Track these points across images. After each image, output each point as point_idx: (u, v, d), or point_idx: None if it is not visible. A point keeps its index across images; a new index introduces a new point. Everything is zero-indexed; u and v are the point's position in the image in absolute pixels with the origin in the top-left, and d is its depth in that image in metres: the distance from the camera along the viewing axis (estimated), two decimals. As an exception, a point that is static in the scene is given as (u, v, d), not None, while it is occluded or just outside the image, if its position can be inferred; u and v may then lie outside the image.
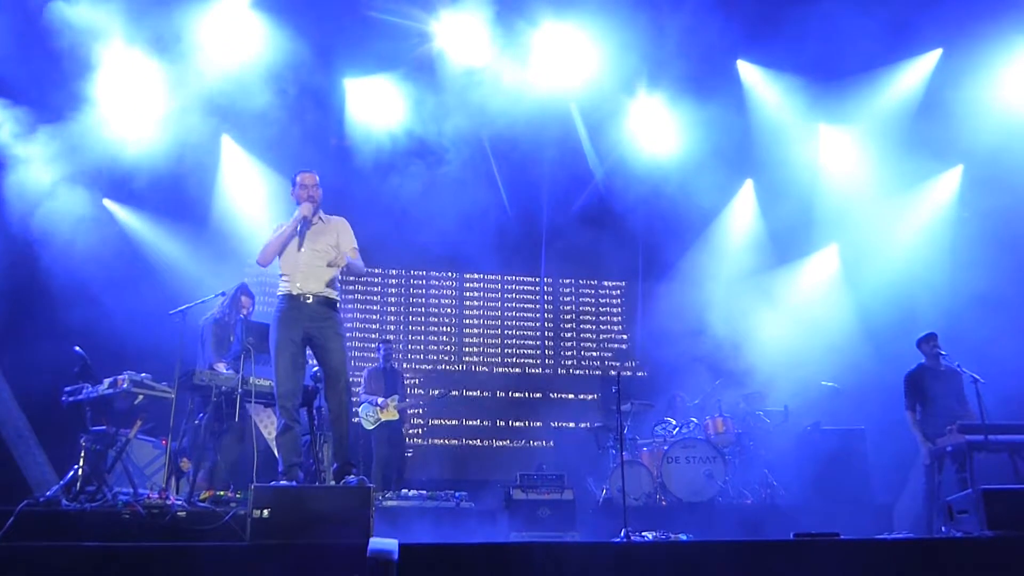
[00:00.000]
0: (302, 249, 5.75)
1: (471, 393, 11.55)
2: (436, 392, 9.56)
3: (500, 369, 11.79)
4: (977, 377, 7.04)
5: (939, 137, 9.97)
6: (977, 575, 4.91)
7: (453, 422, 11.23)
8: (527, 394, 11.74)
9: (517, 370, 11.84)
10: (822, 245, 11.57)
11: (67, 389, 6.21)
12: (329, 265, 5.76)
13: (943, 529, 6.06)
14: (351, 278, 9.94)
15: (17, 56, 8.19)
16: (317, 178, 5.95)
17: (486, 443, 11.22)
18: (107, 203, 9.38)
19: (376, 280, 11.65)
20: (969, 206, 10.30)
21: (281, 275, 5.81)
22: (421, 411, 10.46)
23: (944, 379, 7.60)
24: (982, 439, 6.82)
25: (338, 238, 5.90)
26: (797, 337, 10.60)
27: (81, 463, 5.90)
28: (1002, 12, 8.99)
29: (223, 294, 7.21)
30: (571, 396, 11.81)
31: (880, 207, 10.75)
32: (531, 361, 11.94)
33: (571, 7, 9.94)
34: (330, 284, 5.82)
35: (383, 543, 4.48)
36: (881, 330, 10.12)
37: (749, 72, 11.02)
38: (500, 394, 11.62)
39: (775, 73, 10.88)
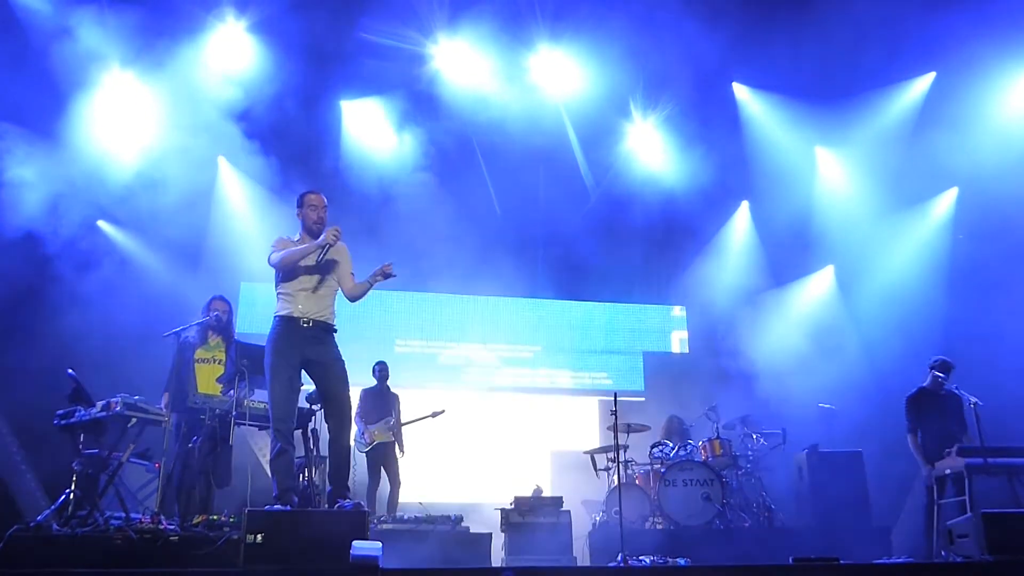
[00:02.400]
0: (307, 271, 5.72)
1: (467, 414, 11.50)
2: (430, 414, 9.48)
3: (496, 390, 11.74)
4: (975, 400, 7.03)
5: (934, 159, 10.02)
6: (978, 600, 4.87)
7: (448, 443, 11.16)
8: (523, 416, 11.69)
9: (512, 391, 11.78)
10: (818, 266, 11.58)
11: (59, 412, 6.15)
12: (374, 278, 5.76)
13: (943, 553, 6.02)
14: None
15: (14, 77, 8.22)
16: (325, 199, 5.94)
17: (482, 465, 11.13)
18: (102, 224, 9.35)
19: (372, 299, 11.58)
20: (964, 228, 10.34)
21: (281, 295, 5.75)
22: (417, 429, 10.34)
23: (944, 402, 7.58)
24: (981, 462, 6.79)
25: (340, 265, 5.89)
26: (794, 358, 10.60)
27: (73, 487, 5.83)
28: (994, 36, 9.06)
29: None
30: (568, 418, 11.76)
31: (876, 229, 10.79)
32: (527, 382, 11.90)
33: (567, 31, 10.02)
34: (330, 309, 5.79)
35: (367, 547, 4.41)
36: (878, 351, 10.11)
37: (744, 94, 11.09)
38: (496, 415, 11.57)
39: (770, 95, 10.97)
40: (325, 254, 5.72)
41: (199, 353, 6.95)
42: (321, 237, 5.71)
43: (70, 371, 6.29)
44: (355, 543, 4.44)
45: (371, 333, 11.23)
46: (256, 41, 9.52)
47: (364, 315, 11.31)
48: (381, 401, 9.28)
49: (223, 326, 6.98)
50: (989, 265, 9.45)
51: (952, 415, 7.55)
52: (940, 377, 7.59)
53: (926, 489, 7.42)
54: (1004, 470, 6.90)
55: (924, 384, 7.74)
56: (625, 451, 8.69)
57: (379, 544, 4.45)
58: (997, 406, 7.49)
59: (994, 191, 9.37)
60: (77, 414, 6.05)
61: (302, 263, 5.70)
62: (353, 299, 5.91)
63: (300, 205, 5.93)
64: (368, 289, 5.84)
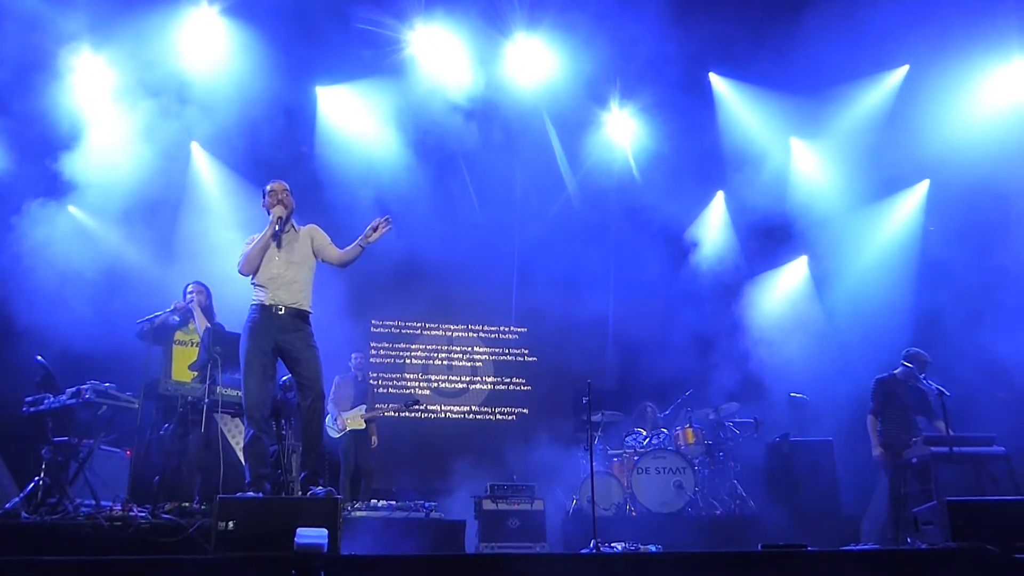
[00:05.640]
0: (276, 258, 5.71)
1: (443, 404, 11.52)
2: (404, 405, 9.48)
3: (472, 378, 11.77)
4: (943, 390, 7.14)
5: (906, 152, 10.13)
6: (942, 586, 4.95)
7: (422, 430, 11.18)
8: (497, 404, 11.74)
9: (489, 380, 11.81)
10: (791, 257, 11.68)
11: (28, 399, 6.09)
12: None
13: (908, 540, 6.12)
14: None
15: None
16: (287, 186, 5.93)
17: (457, 453, 11.15)
18: (72, 210, 9.21)
19: (349, 279, 11.55)
20: (935, 220, 10.47)
21: (255, 285, 5.75)
22: (395, 414, 10.34)
23: (913, 393, 7.69)
24: (947, 451, 6.91)
25: (312, 242, 5.89)
26: (766, 349, 10.70)
27: (42, 475, 5.77)
28: (967, 31, 9.14)
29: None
30: (542, 403, 11.80)
31: (848, 220, 10.88)
32: (505, 369, 11.93)
33: (544, 20, 10.00)
34: (304, 296, 5.77)
35: (311, 533, 4.36)
36: (849, 342, 10.23)
37: (721, 85, 11.14)
38: (473, 405, 11.61)
39: (747, 86, 11.01)
40: (282, 231, 5.71)
41: (179, 335, 6.92)
42: (271, 218, 5.74)
43: (39, 358, 6.23)
44: (300, 530, 4.38)
45: (346, 311, 11.23)
46: (229, 25, 9.41)
47: (339, 295, 11.32)
48: (356, 389, 9.27)
49: (202, 309, 6.94)
50: (959, 257, 9.56)
51: (920, 406, 7.68)
52: (909, 368, 7.70)
53: (889, 478, 7.54)
54: (969, 459, 7.04)
55: (897, 372, 7.84)
56: (598, 438, 8.76)
57: (325, 531, 4.41)
58: (964, 396, 7.62)
59: (965, 184, 9.47)
60: (46, 401, 5.99)
61: (268, 252, 5.70)
62: (344, 265, 5.95)
63: (264, 196, 5.95)
64: (360, 252, 5.83)
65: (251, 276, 5.77)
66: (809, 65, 9.80)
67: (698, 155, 10.97)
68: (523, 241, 11.67)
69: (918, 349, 7.84)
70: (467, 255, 10.75)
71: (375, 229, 5.72)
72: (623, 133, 11.24)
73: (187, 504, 5.77)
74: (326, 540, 4.37)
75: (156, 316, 6.69)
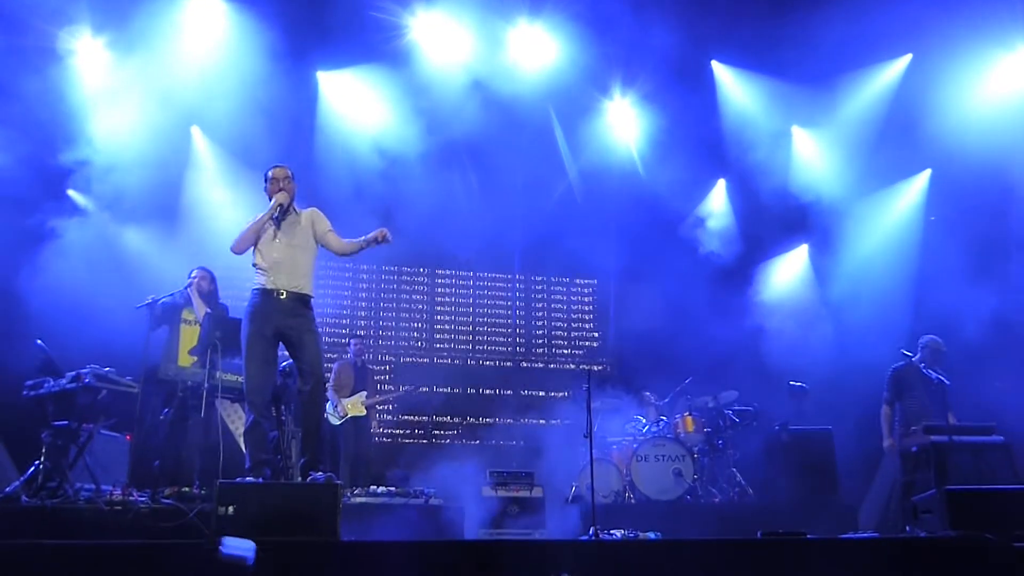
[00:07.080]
0: (277, 241, 5.69)
1: (441, 389, 11.50)
2: (404, 388, 9.49)
3: (471, 362, 11.76)
4: (943, 379, 7.14)
5: (908, 141, 10.10)
6: (940, 574, 4.95)
7: (423, 418, 11.18)
8: (497, 391, 11.72)
9: (488, 364, 11.80)
10: (792, 245, 11.67)
11: (28, 383, 6.10)
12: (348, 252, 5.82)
13: (908, 528, 6.13)
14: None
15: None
16: (289, 171, 5.90)
17: (456, 440, 11.17)
18: (72, 194, 9.19)
19: (348, 275, 11.56)
20: (936, 209, 10.45)
21: (256, 269, 5.73)
22: (391, 407, 10.36)
23: (928, 381, 7.68)
24: (947, 440, 6.91)
25: (313, 227, 5.86)
26: (766, 337, 10.70)
27: (43, 459, 5.79)
28: (970, 20, 9.10)
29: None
30: (542, 393, 11.80)
31: (849, 209, 10.87)
32: (502, 358, 11.92)
33: (546, 6, 9.96)
34: (305, 280, 5.75)
35: (239, 545, 4.15)
36: (849, 331, 10.22)
37: (723, 73, 11.10)
38: (470, 391, 11.60)
39: (749, 75, 10.97)
40: (282, 218, 5.69)
41: (185, 314, 6.91)
42: (272, 203, 5.72)
43: (39, 342, 6.22)
44: (226, 539, 4.18)
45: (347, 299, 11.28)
46: (230, 9, 9.38)
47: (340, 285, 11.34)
48: (356, 375, 9.27)
49: (204, 295, 6.93)
50: (960, 246, 9.55)
51: (933, 394, 7.65)
52: (921, 356, 7.68)
53: (897, 465, 7.54)
54: (968, 448, 7.04)
55: (913, 359, 7.82)
56: (597, 426, 8.75)
57: (252, 544, 4.19)
58: (964, 386, 7.62)
59: (968, 173, 9.45)
60: (46, 385, 6.00)
61: (268, 236, 5.68)
62: (343, 255, 5.98)
63: (265, 180, 5.92)
64: (360, 249, 5.82)
65: (252, 261, 5.75)
66: (812, 54, 9.78)
67: (699, 143, 10.93)
68: (525, 228, 11.64)
69: (932, 336, 7.81)
70: (468, 242, 10.72)
71: (377, 240, 5.68)
72: (625, 121, 11.21)
73: (187, 489, 5.78)
74: (253, 553, 4.14)
75: (157, 300, 6.67)
